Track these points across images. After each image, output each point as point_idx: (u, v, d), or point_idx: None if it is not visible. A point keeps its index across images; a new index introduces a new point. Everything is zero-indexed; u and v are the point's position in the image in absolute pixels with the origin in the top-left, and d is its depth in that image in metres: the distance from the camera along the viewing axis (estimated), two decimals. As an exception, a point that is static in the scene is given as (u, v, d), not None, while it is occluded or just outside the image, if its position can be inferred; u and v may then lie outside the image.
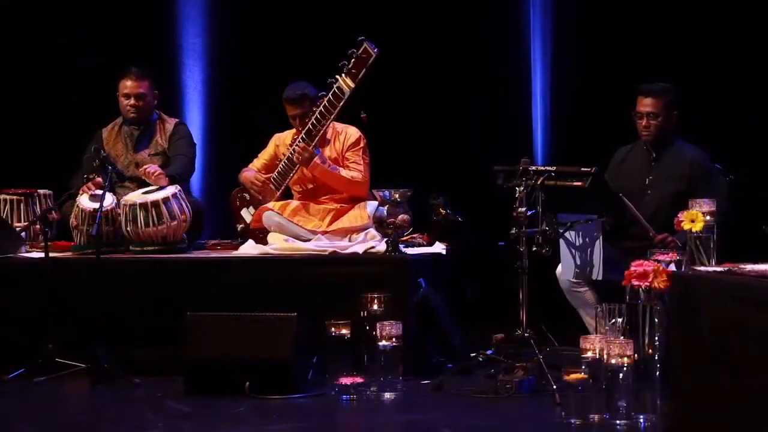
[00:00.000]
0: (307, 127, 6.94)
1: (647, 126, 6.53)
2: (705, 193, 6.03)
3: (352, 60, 6.79)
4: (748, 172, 7.01)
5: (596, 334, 5.40)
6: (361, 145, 7.06)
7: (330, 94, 6.85)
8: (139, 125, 7.31)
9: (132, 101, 7.24)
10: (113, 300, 6.44)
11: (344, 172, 6.98)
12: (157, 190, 6.93)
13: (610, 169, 6.69)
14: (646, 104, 6.54)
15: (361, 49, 6.78)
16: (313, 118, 6.91)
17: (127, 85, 7.24)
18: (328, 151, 7.06)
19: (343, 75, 6.81)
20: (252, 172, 7.29)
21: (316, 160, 6.91)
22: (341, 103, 6.85)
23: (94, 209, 6.64)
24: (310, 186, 7.14)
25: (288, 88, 7.05)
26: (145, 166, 7.05)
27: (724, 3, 7.84)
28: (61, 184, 7.19)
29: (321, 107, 6.88)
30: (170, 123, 7.37)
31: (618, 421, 5.11)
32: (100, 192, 6.72)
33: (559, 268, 6.38)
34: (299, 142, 6.95)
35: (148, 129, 7.34)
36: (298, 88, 7.03)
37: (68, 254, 6.85)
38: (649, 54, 7.91)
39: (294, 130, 7.18)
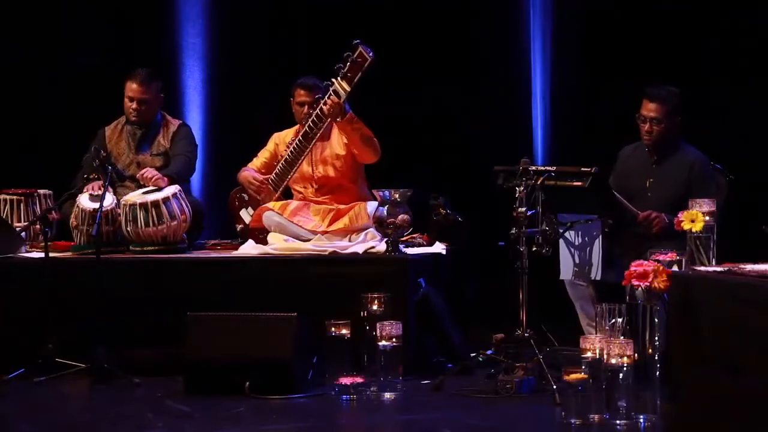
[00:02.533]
0: (304, 130, 6.95)
1: (649, 131, 6.52)
2: (695, 196, 6.08)
3: (348, 64, 6.79)
4: (748, 172, 7.01)
5: (594, 333, 5.40)
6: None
7: (327, 97, 6.86)
8: (141, 126, 7.31)
9: (135, 105, 7.24)
10: (113, 300, 6.44)
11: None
12: (157, 190, 6.93)
13: (616, 166, 6.69)
14: (650, 109, 6.51)
15: (357, 53, 6.78)
16: (310, 120, 6.92)
17: (132, 88, 7.23)
18: (329, 148, 7.07)
19: (339, 78, 6.82)
20: (251, 171, 7.29)
21: (350, 113, 6.85)
22: (337, 107, 6.87)
23: (94, 209, 6.64)
24: (311, 186, 7.14)
25: (302, 78, 7.11)
26: (141, 171, 7.04)
27: (724, 3, 7.84)
28: (61, 184, 7.18)
29: (318, 110, 6.90)
30: (174, 124, 7.37)
31: (618, 421, 5.11)
32: (100, 192, 6.72)
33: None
34: (300, 138, 6.94)
35: (152, 129, 7.33)
36: (312, 78, 7.08)
37: (68, 254, 6.85)
38: (649, 54, 7.91)
39: (294, 130, 7.19)
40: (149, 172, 7.02)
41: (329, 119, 6.90)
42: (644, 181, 6.53)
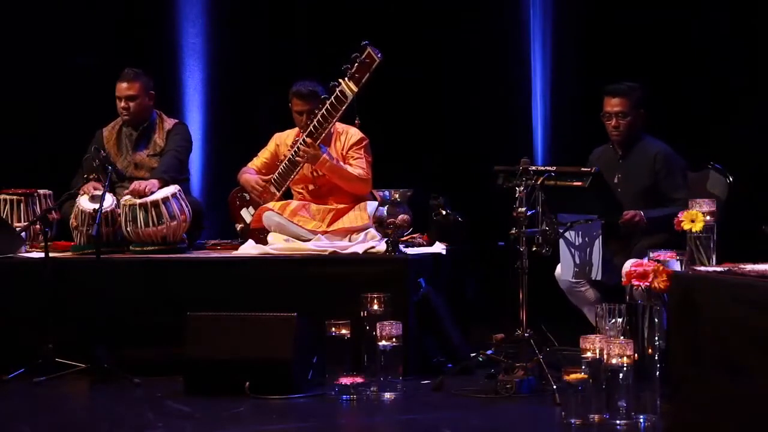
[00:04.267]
0: (309, 129, 6.94)
1: (617, 126, 6.55)
2: (664, 187, 6.33)
3: (356, 64, 6.77)
4: (748, 172, 7.00)
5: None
6: (363, 144, 7.06)
7: (333, 98, 6.84)
8: (136, 126, 7.30)
9: (123, 103, 7.22)
10: (113, 300, 6.44)
11: (350, 169, 6.98)
12: (153, 193, 6.92)
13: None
14: (614, 104, 6.55)
15: (365, 54, 6.76)
16: (315, 120, 6.91)
17: (119, 87, 7.22)
18: (328, 152, 7.06)
19: (346, 79, 6.80)
20: (252, 172, 7.28)
21: (324, 156, 6.91)
22: (344, 107, 6.85)
23: (94, 210, 6.63)
24: (311, 186, 7.14)
25: (298, 84, 7.06)
26: (132, 187, 6.97)
27: (724, 4, 7.84)
28: (61, 184, 7.18)
29: (323, 110, 6.88)
30: (169, 123, 7.36)
31: (618, 421, 5.11)
32: (99, 192, 6.71)
33: (558, 268, 6.38)
34: (305, 139, 6.93)
35: (147, 130, 7.32)
36: (309, 84, 7.04)
37: (68, 254, 6.85)
38: (649, 54, 7.91)
39: (295, 130, 7.18)
40: (140, 186, 6.95)
41: (327, 127, 6.90)
42: (612, 177, 6.53)
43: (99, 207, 6.54)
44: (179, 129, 7.36)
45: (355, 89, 6.79)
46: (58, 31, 8.46)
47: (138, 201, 6.81)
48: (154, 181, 6.99)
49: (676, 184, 6.40)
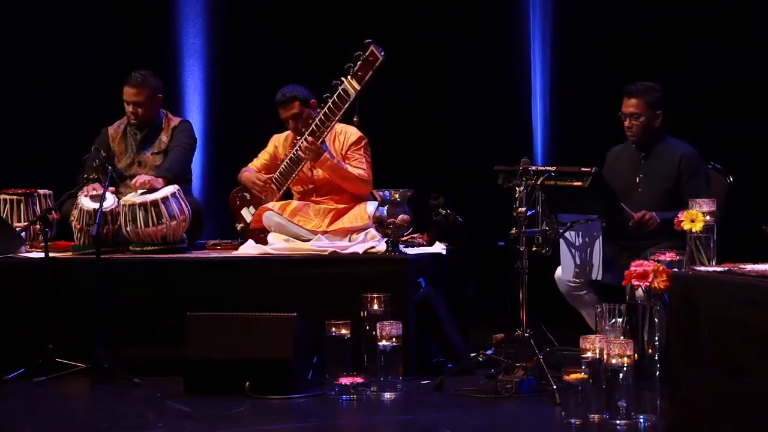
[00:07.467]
0: (311, 128, 6.92)
1: (630, 127, 6.48)
2: (686, 190, 6.21)
3: (359, 62, 6.76)
4: (748, 172, 7.00)
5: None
6: (362, 144, 7.05)
7: (335, 96, 6.82)
8: (142, 127, 7.30)
9: (131, 108, 7.22)
10: (113, 300, 6.44)
11: (351, 168, 6.97)
12: (156, 190, 6.92)
13: (605, 168, 6.68)
14: (629, 105, 6.48)
15: (368, 52, 6.75)
16: (318, 119, 6.90)
17: (128, 92, 7.20)
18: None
19: (348, 77, 6.78)
20: (252, 171, 7.28)
21: (326, 154, 6.90)
22: (346, 105, 6.82)
23: (95, 209, 6.64)
24: (311, 186, 7.14)
25: (278, 92, 7.06)
26: (134, 180, 6.99)
27: (724, 3, 7.84)
28: (61, 184, 7.18)
29: (326, 108, 6.87)
30: (175, 121, 7.35)
31: (618, 421, 5.11)
32: (100, 192, 6.72)
33: (558, 271, 6.37)
34: (307, 137, 6.92)
35: (153, 129, 7.31)
36: (286, 90, 7.03)
37: (68, 254, 6.85)
38: (649, 54, 7.91)
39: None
40: (141, 178, 6.97)
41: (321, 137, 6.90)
42: (634, 177, 6.51)
43: (99, 207, 6.54)
44: (184, 126, 7.35)
45: (358, 87, 6.78)
46: (58, 30, 8.46)
47: (138, 201, 6.81)
48: (159, 179, 7.00)
49: (698, 188, 6.29)
